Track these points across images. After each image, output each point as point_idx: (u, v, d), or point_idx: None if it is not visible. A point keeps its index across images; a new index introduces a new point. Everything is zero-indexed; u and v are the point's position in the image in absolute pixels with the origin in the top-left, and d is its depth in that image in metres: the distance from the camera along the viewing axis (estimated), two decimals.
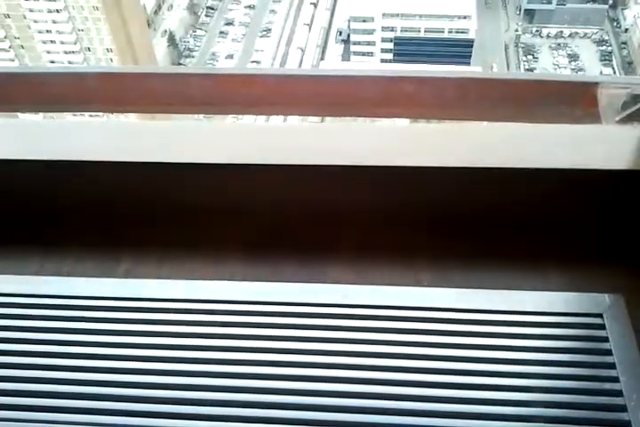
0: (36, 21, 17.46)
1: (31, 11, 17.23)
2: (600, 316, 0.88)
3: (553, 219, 0.94)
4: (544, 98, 1.30)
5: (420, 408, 0.81)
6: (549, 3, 23.98)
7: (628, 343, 0.84)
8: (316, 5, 22.51)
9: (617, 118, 1.14)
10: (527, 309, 0.89)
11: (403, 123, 1.50)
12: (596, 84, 1.23)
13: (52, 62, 17.92)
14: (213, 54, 21.18)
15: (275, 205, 0.98)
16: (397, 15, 21.70)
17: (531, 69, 22.74)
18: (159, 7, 20.54)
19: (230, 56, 21.03)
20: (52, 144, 1.06)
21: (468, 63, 21.94)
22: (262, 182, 0.98)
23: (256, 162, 0.96)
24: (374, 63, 22.05)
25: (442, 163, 0.93)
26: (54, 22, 17.50)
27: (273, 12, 22.39)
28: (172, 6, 21.08)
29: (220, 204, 0.99)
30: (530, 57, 23.26)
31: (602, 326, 0.87)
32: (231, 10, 22.30)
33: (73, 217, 1.02)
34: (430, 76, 1.44)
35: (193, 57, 20.83)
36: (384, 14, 21.53)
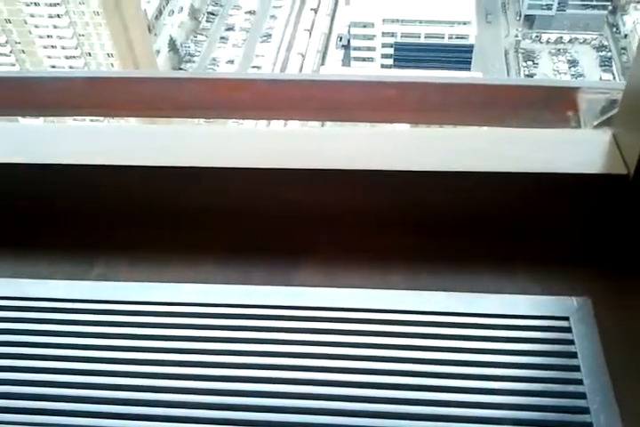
0: (37, 26, 17.54)
1: (32, 16, 17.31)
2: (567, 319, 0.88)
3: (523, 222, 0.95)
4: (525, 103, 1.31)
5: (387, 410, 0.81)
6: (549, 8, 24.05)
7: (594, 346, 0.85)
8: (316, 11, 22.59)
9: (595, 123, 1.16)
10: (494, 311, 0.89)
11: (389, 127, 1.51)
12: (577, 89, 1.25)
13: (53, 67, 17.99)
14: (214, 59, 21.26)
15: (247, 208, 0.99)
16: (397, 21, 21.76)
17: (531, 75, 22.79)
18: (160, 12, 20.62)
19: (231, 61, 21.10)
20: (26, 146, 1.07)
21: (469, 69, 21.99)
22: (234, 185, 0.99)
23: (228, 165, 0.98)
24: (374, 69, 22.10)
25: (416, 166, 0.94)
26: (55, 27, 17.58)
27: (273, 17, 22.48)
28: (173, 12, 21.17)
29: (192, 206, 1.00)
30: (530, 63, 23.30)
31: (568, 329, 0.87)
32: (232, 15, 22.39)
33: (46, 219, 1.02)
34: (414, 82, 1.46)
35: (194, 62, 20.90)
36: (384, 20, 21.59)
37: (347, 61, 22.23)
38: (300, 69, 21.08)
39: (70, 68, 18.00)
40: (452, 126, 1.47)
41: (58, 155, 1.04)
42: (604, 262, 0.94)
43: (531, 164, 0.94)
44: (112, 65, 18.19)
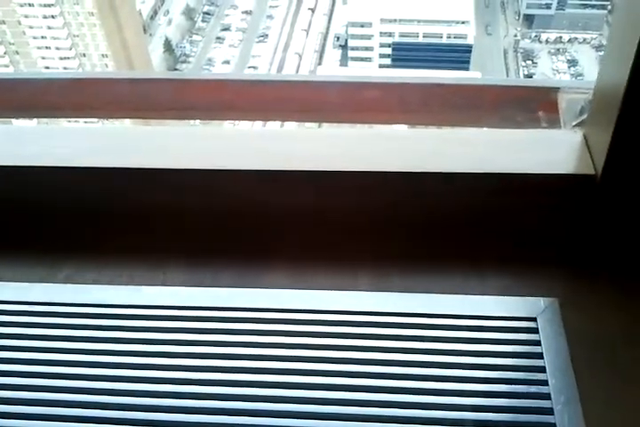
0: (31, 27, 17.52)
1: (26, 17, 17.29)
2: (534, 320, 0.88)
3: (491, 223, 0.94)
4: (506, 103, 1.31)
5: (352, 413, 0.81)
6: (548, 8, 24.06)
7: (559, 347, 0.84)
8: (313, 11, 22.58)
9: (573, 123, 1.16)
10: (461, 312, 0.89)
11: (361, 129, 1.51)
12: (558, 89, 1.25)
13: (48, 68, 17.97)
14: (210, 60, 21.24)
15: (214, 209, 0.99)
16: (395, 20, 21.76)
17: (530, 75, 22.80)
18: (155, 13, 20.60)
19: (227, 62, 21.09)
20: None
21: (467, 68, 21.99)
22: (205, 188, 0.99)
23: (194, 166, 0.97)
24: (372, 68, 22.10)
25: (383, 167, 0.93)
26: (49, 28, 17.56)
27: (270, 17, 22.46)
28: (168, 12, 21.15)
29: (160, 208, 1.00)
30: (529, 62, 23.31)
31: (535, 330, 0.87)
32: (228, 15, 22.37)
33: (14, 221, 1.02)
34: (395, 82, 1.46)
35: (189, 62, 20.89)
36: (382, 19, 21.59)
37: (344, 61, 22.23)
38: (297, 69, 21.07)
39: (65, 68, 17.99)
40: (424, 127, 1.47)
41: (26, 156, 1.03)
42: (572, 263, 0.94)
43: (499, 164, 0.93)
44: (106, 66, 18.17)
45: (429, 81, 1.43)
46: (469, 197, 0.94)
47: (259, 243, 0.99)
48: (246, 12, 22.55)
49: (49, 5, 17.20)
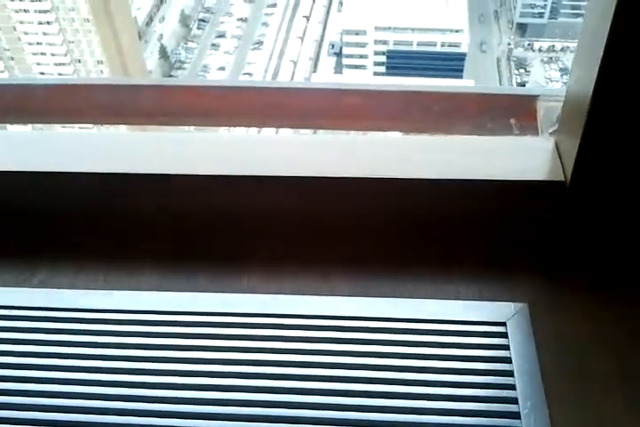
0: (26, 33, 17.53)
1: (21, 23, 17.30)
2: (503, 324, 0.89)
3: (462, 228, 0.95)
4: (487, 111, 1.32)
5: (313, 415, 0.81)
6: (541, 17, 24.24)
7: (528, 352, 0.85)
8: (308, 18, 22.69)
9: (550, 130, 1.17)
10: (431, 317, 0.89)
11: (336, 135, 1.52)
12: (537, 96, 1.26)
13: (42, 74, 17.97)
14: (205, 66, 21.28)
15: (192, 215, 1.00)
16: (390, 28, 21.88)
17: (522, 83, 22.92)
18: (151, 19, 20.65)
19: (222, 68, 21.13)
20: None
21: (461, 76, 22.11)
22: (178, 192, 0.99)
23: (171, 172, 0.98)
24: (367, 76, 22.19)
25: (361, 173, 0.94)
26: (45, 34, 17.58)
27: (265, 24, 22.54)
28: (163, 18, 21.20)
29: (136, 213, 1.00)
30: (522, 70, 23.45)
31: (504, 335, 0.87)
32: (223, 22, 22.44)
33: None
34: (376, 90, 1.47)
35: (184, 69, 20.92)
36: (376, 27, 21.70)
37: (339, 69, 22.32)
38: (292, 77, 21.15)
39: (60, 74, 17.99)
40: (403, 134, 1.48)
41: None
42: (544, 268, 0.94)
43: (471, 171, 0.94)
44: (102, 72, 18.19)
45: (409, 88, 1.44)
46: (441, 203, 0.95)
47: (236, 247, 1.00)
48: (241, 20, 22.63)
49: (44, 11, 17.22)
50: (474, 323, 0.90)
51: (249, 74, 21.02)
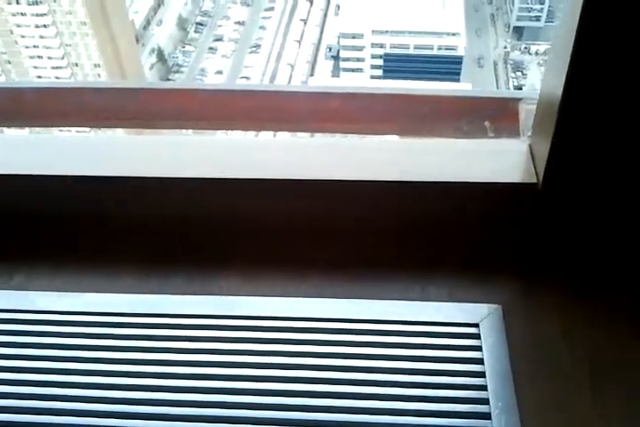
0: (23, 36, 17.51)
1: (18, 26, 17.29)
2: (476, 325, 0.89)
3: (437, 230, 0.96)
4: (470, 114, 1.33)
5: (292, 417, 0.82)
6: (538, 20, 24.30)
7: (500, 353, 0.86)
8: (305, 22, 22.72)
9: (529, 133, 1.18)
10: (405, 318, 0.90)
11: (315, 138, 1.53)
12: (519, 99, 1.27)
13: (39, 77, 17.96)
14: (202, 70, 21.28)
15: (169, 218, 1.00)
16: (387, 32, 21.91)
17: (519, 86, 22.95)
18: (148, 23, 20.67)
19: (219, 72, 21.14)
20: None
21: (458, 80, 22.13)
22: (156, 195, 1.00)
23: (149, 175, 0.99)
24: (364, 79, 22.21)
25: (338, 176, 0.95)
26: (42, 38, 17.56)
27: (262, 28, 22.56)
28: (161, 22, 21.22)
29: (115, 216, 1.01)
30: (519, 73, 23.48)
31: (477, 336, 0.88)
32: (220, 26, 22.45)
33: None
34: (358, 92, 1.48)
35: (182, 72, 20.92)
36: (373, 31, 21.74)
37: (336, 72, 22.34)
38: (290, 80, 21.16)
39: (57, 78, 17.98)
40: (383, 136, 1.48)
41: None
42: (517, 270, 0.95)
43: (445, 173, 0.95)
44: (99, 75, 18.17)
45: (392, 91, 1.45)
46: (415, 205, 0.96)
47: (213, 250, 1.01)
48: (239, 23, 22.65)
49: (41, 15, 17.21)
50: (447, 324, 0.91)
51: (246, 77, 21.03)
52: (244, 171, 0.99)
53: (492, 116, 1.32)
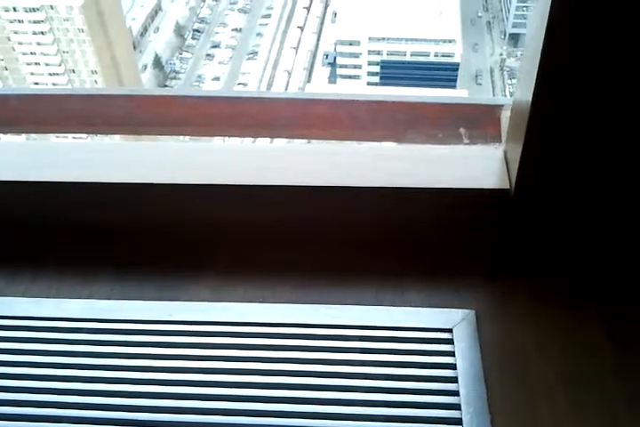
0: (20, 43, 17.59)
1: (16, 33, 17.38)
2: (450, 331, 0.90)
3: (412, 236, 0.96)
4: (452, 120, 1.34)
5: (253, 423, 0.82)
6: None
7: (472, 358, 0.86)
8: (302, 29, 22.82)
9: None
10: (380, 324, 0.90)
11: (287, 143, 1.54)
12: (501, 106, 1.28)
13: (36, 84, 18.02)
14: (199, 77, 21.38)
15: (139, 223, 1.00)
16: (383, 39, 22.03)
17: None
18: (145, 30, 20.76)
19: (217, 78, 21.22)
20: None
21: (454, 86, 22.22)
22: (133, 201, 1.00)
23: (127, 181, 0.99)
24: (361, 86, 22.29)
25: (310, 182, 0.96)
26: (39, 44, 17.65)
27: (259, 35, 22.67)
28: (158, 29, 21.32)
29: (91, 222, 1.02)
30: (515, 80, 23.59)
31: (450, 341, 0.88)
32: (217, 33, 22.57)
33: None
34: (344, 99, 1.49)
35: (179, 79, 21.01)
36: (370, 38, 21.85)
37: (333, 79, 22.43)
38: (287, 87, 21.24)
39: (54, 84, 18.05)
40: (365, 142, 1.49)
41: None
42: (490, 275, 0.96)
43: (420, 179, 0.96)
44: (96, 82, 18.24)
45: (377, 98, 1.46)
46: (390, 211, 0.97)
47: (185, 256, 1.01)
48: (236, 30, 22.75)
49: (39, 22, 17.29)
50: (420, 329, 0.91)
51: (243, 84, 21.10)
52: (212, 176, 0.99)
53: (476, 122, 1.33)
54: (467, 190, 0.94)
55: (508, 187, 0.93)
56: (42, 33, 17.37)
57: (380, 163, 0.99)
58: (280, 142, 1.63)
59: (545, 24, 0.77)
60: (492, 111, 1.30)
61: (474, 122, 1.29)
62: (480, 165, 0.99)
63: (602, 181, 0.89)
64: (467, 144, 1.05)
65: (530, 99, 0.83)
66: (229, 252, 1.00)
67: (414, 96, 1.19)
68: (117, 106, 1.44)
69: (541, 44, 0.79)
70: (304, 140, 1.49)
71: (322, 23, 23.18)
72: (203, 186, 1.00)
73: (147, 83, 19.73)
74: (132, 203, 1.02)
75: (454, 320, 0.91)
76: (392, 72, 22.55)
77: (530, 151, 0.87)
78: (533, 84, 0.82)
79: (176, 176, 1.00)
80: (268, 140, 1.87)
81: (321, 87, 21.21)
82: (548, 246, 0.95)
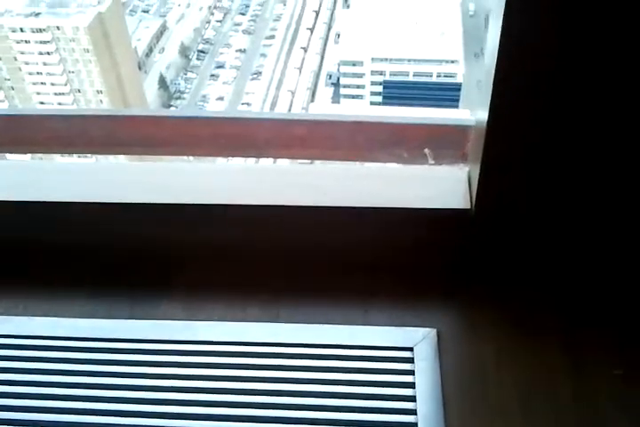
0: (27, 63, 17.82)
1: (22, 53, 17.62)
2: (411, 349, 0.90)
3: (375, 256, 0.97)
4: (430, 141, 1.35)
5: None
6: None
7: (432, 377, 0.86)
8: (306, 50, 23.07)
9: None
10: (341, 342, 0.90)
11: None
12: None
13: (42, 103, 18.23)
14: (204, 96, 21.58)
15: (117, 242, 1.02)
16: (386, 59, 22.22)
17: None
18: (151, 50, 21.03)
19: (221, 98, 21.42)
20: None
21: (457, 106, 22.32)
22: (105, 219, 1.02)
23: (98, 200, 1.01)
24: (364, 106, 22.43)
25: (274, 202, 0.97)
26: (45, 64, 17.87)
27: (263, 55, 22.92)
28: (163, 49, 21.59)
29: (62, 240, 1.03)
30: None
31: (411, 360, 0.88)
32: (222, 53, 22.83)
33: None
34: (323, 120, 1.51)
35: (184, 99, 21.21)
36: (373, 58, 22.05)
37: (336, 99, 22.58)
38: (290, 106, 21.39)
39: (59, 104, 18.25)
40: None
41: None
42: (452, 294, 0.96)
43: (384, 199, 0.97)
44: (101, 101, 18.43)
45: (356, 119, 1.48)
46: (352, 231, 0.97)
47: (155, 276, 1.02)
48: (240, 51, 23.02)
49: (45, 42, 17.55)
50: (382, 348, 0.91)
51: (247, 104, 21.27)
52: (184, 196, 1.00)
53: (454, 142, 1.34)
54: (427, 210, 0.94)
55: (468, 207, 0.94)
56: (48, 53, 17.60)
57: (344, 183, 1.00)
58: (252, 162, 1.64)
59: (496, 51, 0.78)
60: (468, 132, 1.31)
61: (452, 142, 1.30)
62: (443, 186, 1.00)
63: (560, 199, 0.90)
64: (432, 164, 1.06)
65: (486, 119, 0.85)
66: (199, 271, 1.01)
67: (397, 117, 1.21)
68: (98, 126, 1.46)
69: (494, 67, 0.80)
70: (278, 160, 1.50)
71: (325, 44, 23.44)
72: (174, 205, 1.01)
73: (152, 103, 19.92)
74: (104, 222, 1.03)
75: (415, 339, 0.91)
76: (395, 92, 22.69)
77: (488, 171, 0.88)
78: (489, 105, 0.84)
79: (148, 196, 1.01)
80: (245, 159, 1.89)
81: (324, 107, 21.36)
82: (509, 266, 0.96)
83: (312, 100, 22.04)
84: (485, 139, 0.85)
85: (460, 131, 1.37)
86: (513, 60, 0.79)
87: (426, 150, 1.06)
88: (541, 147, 0.85)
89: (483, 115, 0.88)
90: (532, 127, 0.84)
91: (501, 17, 0.75)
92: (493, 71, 0.80)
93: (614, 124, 0.83)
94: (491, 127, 0.84)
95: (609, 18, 0.74)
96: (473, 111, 0.96)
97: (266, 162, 1.61)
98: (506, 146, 0.86)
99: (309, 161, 1.42)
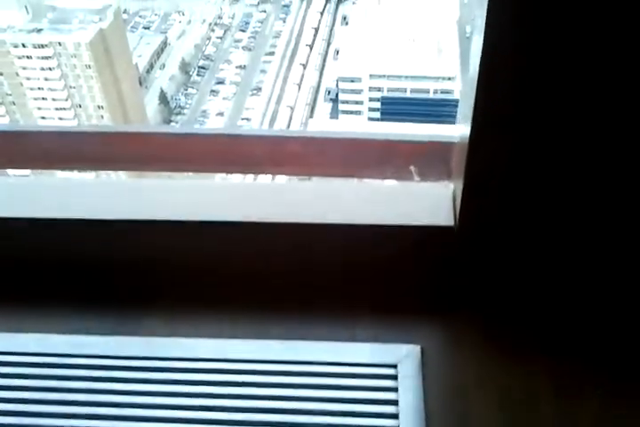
0: (28, 79, 17.91)
1: (24, 68, 17.72)
2: (394, 366, 0.90)
3: (361, 272, 0.97)
4: (420, 157, 1.36)
5: None
6: None
7: (415, 394, 0.85)
8: (305, 66, 23.24)
9: None
10: (325, 359, 0.90)
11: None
12: None
13: (43, 118, 18.29)
14: (204, 112, 21.67)
15: (100, 259, 1.02)
16: (384, 76, 22.36)
17: None
18: (151, 66, 21.17)
19: (221, 113, 21.51)
20: None
21: (454, 122, 22.40)
22: (90, 237, 1.02)
23: (82, 217, 1.01)
24: (362, 121, 22.53)
25: (256, 218, 0.97)
26: (46, 80, 17.96)
27: (263, 71, 23.07)
28: (164, 65, 21.73)
29: (48, 257, 1.03)
30: None
31: (394, 377, 0.88)
32: (222, 69, 22.98)
33: None
34: (315, 137, 1.52)
35: (184, 114, 21.30)
36: (371, 75, 22.20)
37: (335, 114, 22.68)
38: (289, 122, 21.48)
39: (60, 119, 18.30)
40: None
41: None
42: (436, 311, 0.96)
43: (365, 216, 0.97)
44: (102, 117, 18.49)
45: (349, 135, 1.49)
46: (337, 247, 0.97)
47: (136, 293, 1.02)
48: (240, 67, 23.18)
49: (46, 58, 17.65)
50: (366, 365, 0.91)
51: (247, 119, 21.37)
52: (171, 212, 1.00)
53: (446, 158, 1.35)
54: (412, 227, 0.95)
55: (452, 224, 0.94)
56: (49, 69, 17.69)
57: (328, 200, 1.00)
58: (237, 179, 1.65)
59: (477, 70, 0.79)
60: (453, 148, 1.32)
61: (440, 158, 1.31)
62: (429, 202, 1.00)
63: (544, 214, 0.90)
64: (418, 181, 1.07)
65: (468, 135, 0.85)
66: (183, 288, 1.01)
67: (389, 133, 1.22)
68: (90, 142, 1.47)
69: (476, 82, 0.81)
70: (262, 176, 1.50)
71: (324, 60, 23.61)
72: (159, 222, 1.02)
73: (152, 118, 20.00)
74: (90, 238, 1.03)
75: (399, 356, 0.91)
76: (393, 108, 22.80)
77: (470, 188, 0.89)
78: (470, 122, 0.84)
79: (133, 212, 1.02)
80: (239, 176, 1.90)
81: (323, 122, 21.46)
82: (492, 282, 0.96)
83: (311, 116, 22.13)
84: (467, 154, 0.86)
85: (446, 147, 1.38)
86: (494, 77, 0.80)
87: (411, 167, 1.06)
88: (524, 162, 0.86)
89: (465, 130, 0.89)
90: (514, 143, 0.85)
91: (482, 33, 0.76)
92: (475, 87, 0.81)
93: (597, 141, 0.83)
94: (473, 143, 0.85)
95: (590, 37, 0.74)
96: (457, 127, 0.97)
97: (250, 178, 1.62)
98: (488, 161, 0.86)
99: (307, 177, 1.43)
